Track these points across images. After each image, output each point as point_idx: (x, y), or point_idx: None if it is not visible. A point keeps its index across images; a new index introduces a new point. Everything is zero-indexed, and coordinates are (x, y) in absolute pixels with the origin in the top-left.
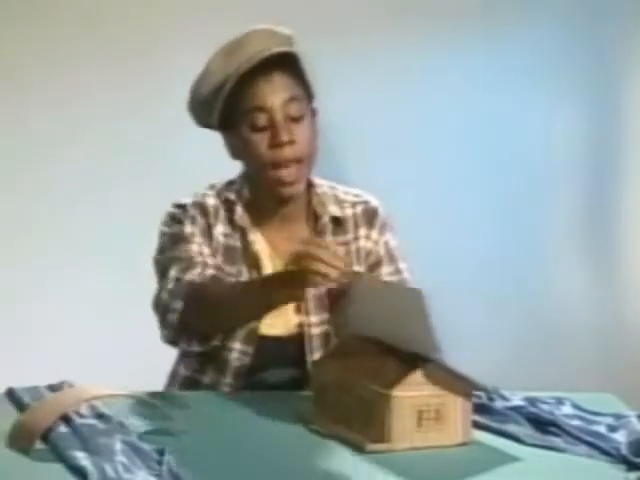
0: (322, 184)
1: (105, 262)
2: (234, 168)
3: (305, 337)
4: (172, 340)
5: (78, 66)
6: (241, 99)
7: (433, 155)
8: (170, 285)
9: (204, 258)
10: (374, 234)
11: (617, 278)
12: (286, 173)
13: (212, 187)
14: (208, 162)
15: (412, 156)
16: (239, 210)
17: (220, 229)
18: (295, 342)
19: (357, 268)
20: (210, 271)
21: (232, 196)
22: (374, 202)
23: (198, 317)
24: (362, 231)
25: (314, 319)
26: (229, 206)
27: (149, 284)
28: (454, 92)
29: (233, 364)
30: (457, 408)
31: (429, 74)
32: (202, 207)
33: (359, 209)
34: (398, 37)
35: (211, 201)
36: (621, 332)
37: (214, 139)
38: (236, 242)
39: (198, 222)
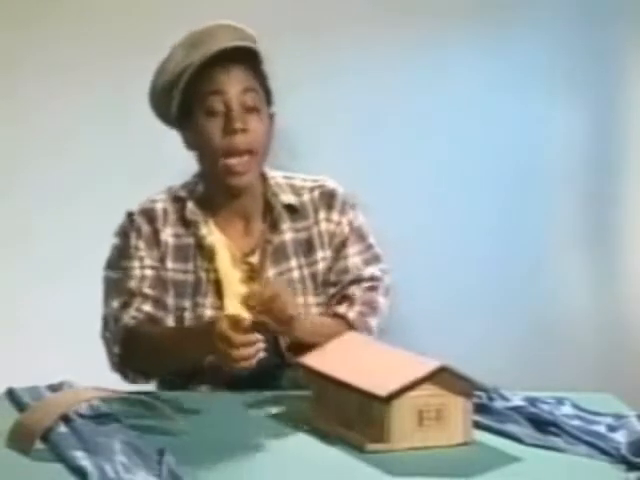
0: (275, 175)
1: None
2: None
3: None
4: (119, 374)
5: (78, 65)
6: (198, 86)
7: (433, 155)
8: (111, 324)
9: (142, 287)
10: (334, 216)
11: (617, 278)
12: (237, 162)
13: (169, 189)
14: None
15: (411, 156)
16: (190, 205)
17: (169, 232)
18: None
19: (322, 253)
20: (147, 307)
21: (183, 193)
22: (331, 184)
23: (136, 362)
24: (322, 214)
25: None
26: (180, 205)
27: None
28: (454, 92)
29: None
30: (457, 408)
31: (429, 73)
32: (149, 214)
33: (316, 193)
34: (398, 36)
35: (159, 205)
36: (621, 332)
37: None
38: (188, 239)
39: (143, 232)
